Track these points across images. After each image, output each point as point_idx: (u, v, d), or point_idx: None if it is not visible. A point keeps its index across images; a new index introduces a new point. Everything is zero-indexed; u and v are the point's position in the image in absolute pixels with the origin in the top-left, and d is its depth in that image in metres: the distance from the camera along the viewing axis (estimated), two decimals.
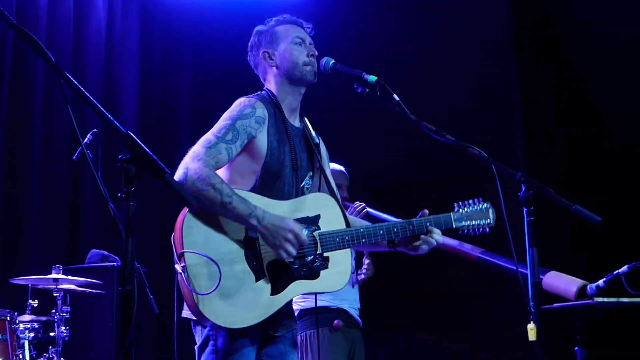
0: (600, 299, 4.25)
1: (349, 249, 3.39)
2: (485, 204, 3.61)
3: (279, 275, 3.19)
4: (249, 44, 3.61)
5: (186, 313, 3.24)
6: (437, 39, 7.45)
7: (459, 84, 7.25)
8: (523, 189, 3.13)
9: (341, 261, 3.36)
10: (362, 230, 3.39)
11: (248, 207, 3.10)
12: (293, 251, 3.15)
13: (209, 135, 3.23)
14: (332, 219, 3.38)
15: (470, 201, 3.61)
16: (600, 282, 4.27)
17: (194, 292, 3.00)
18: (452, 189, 7.02)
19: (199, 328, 3.28)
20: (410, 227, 3.47)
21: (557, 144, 6.88)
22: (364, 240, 3.37)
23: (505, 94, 7.24)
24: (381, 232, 3.42)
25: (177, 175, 3.08)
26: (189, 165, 3.09)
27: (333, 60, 3.48)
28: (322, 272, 3.29)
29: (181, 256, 3.04)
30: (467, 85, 7.22)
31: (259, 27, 3.61)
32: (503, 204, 3.14)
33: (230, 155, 3.23)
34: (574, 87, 6.79)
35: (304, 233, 3.19)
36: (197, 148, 3.17)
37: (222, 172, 3.24)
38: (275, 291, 3.17)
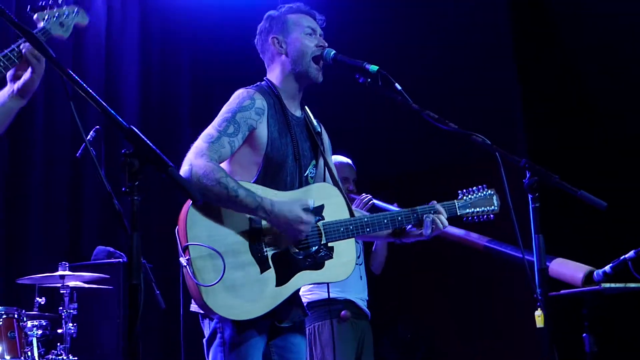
0: (607, 285, 4.24)
1: (353, 239, 3.39)
2: (489, 191, 3.62)
3: (283, 266, 3.19)
4: (259, 27, 3.58)
5: (194, 307, 3.25)
6: (435, 29, 7.44)
7: (458, 74, 7.23)
8: (527, 175, 3.12)
9: (346, 251, 3.36)
10: (366, 219, 3.39)
11: (255, 200, 3.10)
12: (304, 234, 3.17)
13: (210, 130, 3.22)
14: (336, 208, 3.38)
15: (474, 188, 3.61)
16: (607, 267, 4.26)
17: (198, 284, 3.00)
18: (456, 177, 7.04)
19: (206, 321, 3.28)
20: (415, 215, 3.47)
21: (558, 130, 6.86)
22: (368, 229, 3.37)
23: (504, 82, 7.22)
24: (385, 221, 3.42)
25: (182, 172, 3.08)
26: (192, 161, 3.09)
27: (334, 51, 3.44)
28: (326, 262, 3.29)
29: (185, 249, 3.04)
30: (466, 74, 7.20)
31: (270, 12, 3.57)
32: (508, 191, 3.13)
33: (233, 148, 3.22)
34: (574, 72, 6.77)
35: (312, 219, 3.20)
36: (200, 143, 3.17)
37: (223, 165, 3.23)
38: (280, 282, 3.17)
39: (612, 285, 4.25)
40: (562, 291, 4.38)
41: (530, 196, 3.10)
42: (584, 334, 4.39)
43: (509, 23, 7.23)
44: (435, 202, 3.53)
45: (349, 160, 5.44)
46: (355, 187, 5.43)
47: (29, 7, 2.95)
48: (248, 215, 3.16)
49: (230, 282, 3.06)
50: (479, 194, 3.61)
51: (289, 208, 3.15)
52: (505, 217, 3.16)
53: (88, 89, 2.16)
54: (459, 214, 3.56)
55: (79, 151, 5.18)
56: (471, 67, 7.22)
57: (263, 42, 3.55)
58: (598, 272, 4.31)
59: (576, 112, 6.81)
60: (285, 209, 3.14)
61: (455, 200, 3.59)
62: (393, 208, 5.16)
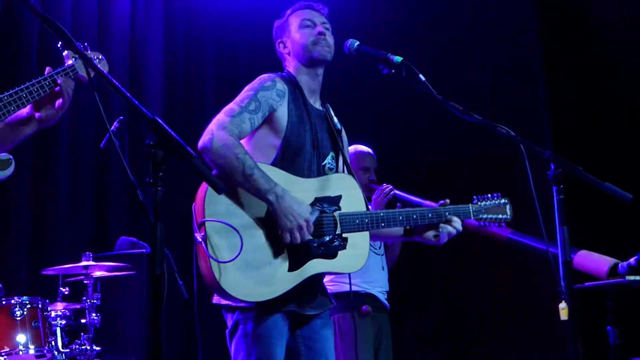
0: (631, 278, 4.23)
1: (367, 232, 3.41)
2: (503, 199, 3.66)
3: (297, 252, 3.20)
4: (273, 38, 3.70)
5: (217, 299, 3.26)
6: (460, 18, 7.40)
7: (482, 63, 7.19)
8: (552, 167, 3.10)
9: (360, 243, 3.38)
10: (382, 214, 3.41)
11: (268, 183, 3.12)
12: (299, 239, 3.16)
13: (232, 105, 3.30)
14: (353, 200, 3.40)
15: (489, 195, 3.66)
16: (632, 260, 4.24)
17: (214, 260, 3.01)
18: (479, 168, 7.02)
19: (229, 313, 3.30)
20: (430, 214, 3.50)
21: (584, 120, 6.80)
22: (382, 224, 3.39)
23: (529, 72, 7.16)
24: (400, 217, 3.44)
25: (202, 141, 3.16)
26: (214, 132, 3.16)
27: (357, 42, 3.49)
28: (340, 252, 3.31)
29: (201, 225, 3.05)
30: (491, 64, 7.15)
31: (276, 22, 3.68)
32: (532, 183, 3.11)
33: (252, 125, 3.27)
34: (600, 63, 6.70)
35: (313, 219, 3.20)
36: (222, 116, 3.24)
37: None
38: (292, 267, 3.19)
39: (637, 277, 4.23)
40: (586, 284, 4.37)
41: (554, 188, 3.08)
42: (609, 327, 4.38)
43: (534, 11, 7.17)
44: (448, 200, 3.57)
45: (370, 150, 5.43)
46: (376, 176, 5.42)
47: (60, 42, 2.98)
48: None
49: (244, 262, 3.07)
50: (493, 201, 3.65)
51: (299, 203, 3.17)
52: (529, 208, 3.14)
53: (112, 79, 2.17)
54: (472, 218, 3.61)
55: (103, 141, 5.19)
56: (495, 59, 7.16)
57: (276, 49, 3.65)
58: (623, 265, 4.29)
59: (603, 102, 6.73)
60: (296, 202, 3.16)
61: (470, 205, 3.63)
62: (414, 198, 5.15)
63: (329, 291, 4.87)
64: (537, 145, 3.18)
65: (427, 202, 4.96)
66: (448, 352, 7.55)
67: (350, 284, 3.73)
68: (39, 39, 6.13)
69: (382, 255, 5.31)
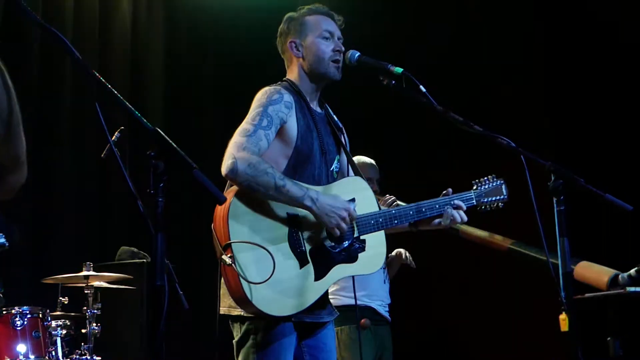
0: (632, 289, 4.22)
1: (382, 231, 3.45)
2: (499, 180, 3.75)
3: (321, 260, 3.25)
4: (279, 29, 3.63)
5: (223, 309, 3.26)
6: (457, 23, 7.39)
7: (482, 63, 7.17)
8: (553, 178, 3.10)
9: (377, 243, 3.43)
10: (394, 212, 3.48)
11: (301, 189, 3.17)
12: (346, 228, 3.24)
13: (245, 125, 3.26)
14: (366, 202, 3.44)
15: (485, 179, 3.75)
16: (632, 271, 4.23)
17: (248, 281, 3.02)
18: (480, 177, 7.00)
19: (237, 324, 3.29)
20: (437, 205, 3.57)
21: (586, 127, 6.77)
22: (396, 221, 3.46)
23: (529, 71, 7.15)
24: (411, 212, 3.51)
25: (226, 167, 3.12)
26: (235, 155, 3.13)
27: (358, 53, 3.50)
28: (360, 254, 3.36)
29: (227, 246, 3.05)
30: (491, 64, 7.13)
31: (290, 14, 3.62)
32: (533, 193, 3.11)
33: (268, 141, 3.26)
34: (602, 66, 6.67)
35: (352, 207, 3.28)
36: (238, 138, 3.21)
37: None
38: (318, 277, 3.22)
39: (638, 288, 4.23)
40: (586, 294, 4.36)
41: (555, 199, 3.08)
42: (609, 338, 4.37)
43: (534, 11, 7.16)
44: (450, 189, 3.64)
45: (372, 161, 5.44)
46: (378, 187, 5.42)
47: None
48: (286, 212, 3.20)
49: (272, 277, 3.07)
50: (491, 184, 3.74)
51: (333, 197, 3.25)
52: (530, 219, 3.14)
53: (113, 90, 2.17)
54: (475, 203, 3.68)
55: (104, 152, 5.20)
56: (495, 59, 7.14)
57: (282, 44, 3.60)
58: (623, 276, 4.29)
59: (604, 102, 6.70)
60: (330, 197, 3.23)
61: (471, 191, 3.71)
62: None
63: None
64: (538, 155, 3.18)
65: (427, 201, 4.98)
66: None
67: (355, 297, 3.76)
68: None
69: (384, 268, 5.32)
